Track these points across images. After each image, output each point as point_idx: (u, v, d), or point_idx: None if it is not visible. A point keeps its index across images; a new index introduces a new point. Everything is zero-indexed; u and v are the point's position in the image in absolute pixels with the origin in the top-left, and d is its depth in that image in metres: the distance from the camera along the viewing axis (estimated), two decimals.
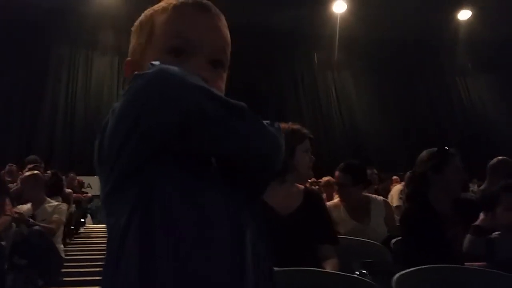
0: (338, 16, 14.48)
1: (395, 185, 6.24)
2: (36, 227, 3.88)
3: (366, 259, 1.87)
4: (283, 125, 1.85)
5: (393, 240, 2.41)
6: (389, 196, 4.05)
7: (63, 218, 4.53)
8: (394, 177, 7.63)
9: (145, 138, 0.65)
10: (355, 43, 15.58)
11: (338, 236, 2.22)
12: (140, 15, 0.89)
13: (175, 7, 0.82)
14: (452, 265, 1.76)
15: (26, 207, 4.16)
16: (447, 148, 2.38)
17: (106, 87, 14.81)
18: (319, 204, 2.10)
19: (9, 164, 6.81)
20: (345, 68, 16.88)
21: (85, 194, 8.27)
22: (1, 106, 13.15)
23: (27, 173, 4.56)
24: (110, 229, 0.72)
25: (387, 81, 16.08)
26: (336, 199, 3.26)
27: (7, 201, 3.43)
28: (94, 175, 10.53)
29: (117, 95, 14.71)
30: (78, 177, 8.79)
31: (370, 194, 3.15)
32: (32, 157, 6.90)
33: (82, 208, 7.59)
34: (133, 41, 0.88)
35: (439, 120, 16.22)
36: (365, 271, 1.74)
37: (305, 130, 2.11)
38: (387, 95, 16.00)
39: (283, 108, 14.87)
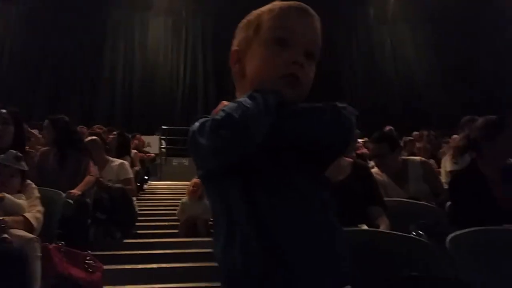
0: None
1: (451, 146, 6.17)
2: (118, 185, 4.30)
3: (422, 221, 2.03)
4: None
5: (448, 203, 2.54)
6: (442, 161, 4.05)
7: (131, 175, 4.87)
8: (454, 136, 7.39)
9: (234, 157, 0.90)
10: None
11: (394, 199, 2.40)
12: None
13: (281, 8, 1.03)
14: (503, 227, 1.88)
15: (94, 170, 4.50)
16: (503, 117, 2.43)
17: (162, 47, 15.20)
18: (366, 173, 2.31)
19: (80, 126, 7.31)
20: (401, 20, 16.26)
21: (148, 154, 8.73)
22: (63, 70, 13.85)
23: (88, 139, 4.82)
24: (213, 206, 1.02)
25: (446, 33, 15.27)
26: (375, 169, 3.25)
27: (91, 162, 3.81)
28: (153, 134, 10.94)
29: (171, 55, 15.09)
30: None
31: (408, 157, 3.23)
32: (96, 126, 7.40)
33: (145, 167, 8.05)
34: (240, 34, 1.09)
35: (503, 74, 15.32)
36: (421, 232, 1.91)
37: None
38: (446, 48, 15.23)
39: (337, 65, 14.66)
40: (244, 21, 1.09)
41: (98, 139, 4.82)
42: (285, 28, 1.01)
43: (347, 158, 2.34)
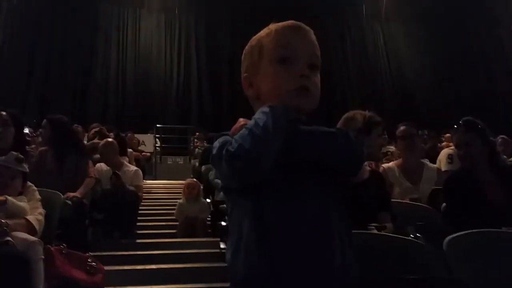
0: None
1: (446, 144, 6.25)
2: (131, 188, 4.40)
3: (419, 223, 2.07)
4: (361, 112, 2.14)
5: (443, 205, 2.59)
6: (437, 161, 4.10)
7: (142, 183, 4.99)
8: (447, 134, 7.41)
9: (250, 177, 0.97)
10: None
11: (393, 199, 2.48)
12: None
13: (277, 29, 1.13)
14: (499, 230, 1.92)
15: (105, 167, 4.57)
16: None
17: (155, 45, 15.12)
18: (381, 180, 2.45)
19: (75, 125, 7.27)
20: (394, 18, 16.36)
21: (143, 153, 8.71)
22: (54, 69, 13.70)
23: (105, 141, 4.91)
24: (230, 214, 1.09)
25: (438, 31, 15.41)
26: (391, 163, 3.49)
27: (90, 163, 3.81)
28: (146, 133, 10.83)
29: (165, 53, 15.02)
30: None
31: (426, 161, 3.36)
32: (95, 124, 7.37)
33: (141, 166, 8.03)
34: (246, 61, 1.17)
35: (492, 71, 15.44)
36: (418, 234, 1.95)
37: (379, 118, 2.34)
38: (438, 46, 15.36)
39: (330, 62, 14.69)
40: (247, 48, 1.18)
41: (115, 142, 4.87)
42: (285, 46, 1.09)
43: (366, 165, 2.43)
